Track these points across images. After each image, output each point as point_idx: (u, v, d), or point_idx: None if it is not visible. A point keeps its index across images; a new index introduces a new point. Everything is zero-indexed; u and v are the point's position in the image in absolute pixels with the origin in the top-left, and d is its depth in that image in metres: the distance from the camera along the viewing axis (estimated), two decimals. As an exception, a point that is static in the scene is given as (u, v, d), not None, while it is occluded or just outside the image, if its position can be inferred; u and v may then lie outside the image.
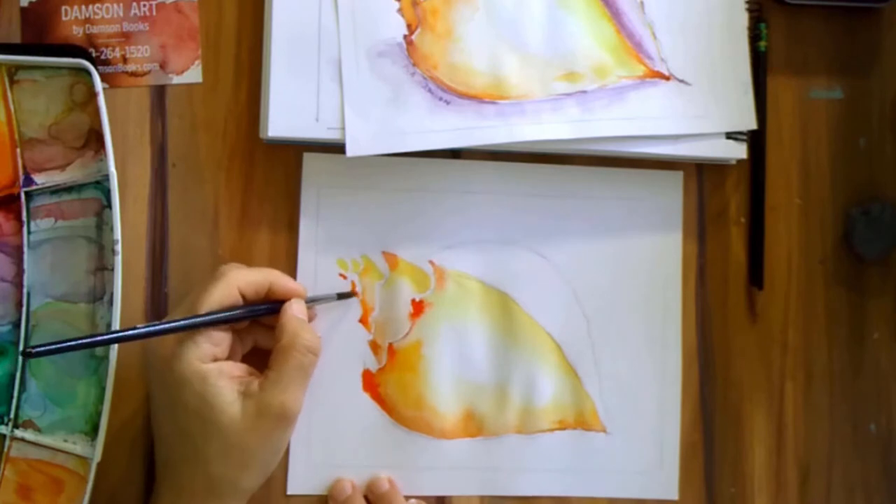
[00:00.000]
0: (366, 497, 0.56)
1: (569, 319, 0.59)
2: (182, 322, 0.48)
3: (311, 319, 0.54)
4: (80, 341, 0.47)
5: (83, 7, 0.55)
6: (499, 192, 0.58)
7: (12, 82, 0.54)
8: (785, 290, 0.61)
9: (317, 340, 0.51)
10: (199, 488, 0.49)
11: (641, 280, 0.59)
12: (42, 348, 0.45)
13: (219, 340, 0.50)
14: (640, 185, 0.59)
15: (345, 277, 0.57)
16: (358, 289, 0.57)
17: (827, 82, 0.62)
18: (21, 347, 0.54)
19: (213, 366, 0.49)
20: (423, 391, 0.57)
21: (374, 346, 0.57)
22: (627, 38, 0.58)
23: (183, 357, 0.48)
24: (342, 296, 0.56)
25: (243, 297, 0.51)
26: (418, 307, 0.57)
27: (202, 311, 0.49)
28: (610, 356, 0.59)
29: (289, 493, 0.56)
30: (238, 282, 0.51)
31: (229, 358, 0.51)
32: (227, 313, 0.50)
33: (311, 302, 0.54)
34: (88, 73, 0.53)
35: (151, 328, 0.48)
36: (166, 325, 0.48)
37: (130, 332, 0.47)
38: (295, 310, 0.52)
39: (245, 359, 0.53)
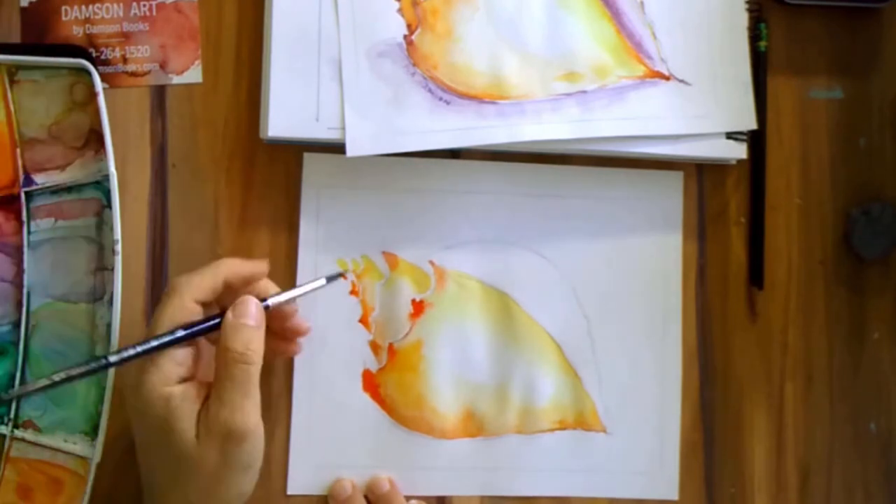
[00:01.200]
0: (366, 497, 0.56)
1: (569, 319, 0.59)
2: (137, 348, 0.46)
3: (291, 315, 0.52)
4: (55, 379, 0.46)
5: (83, 7, 0.55)
6: (499, 192, 0.58)
7: (12, 82, 0.54)
8: (785, 290, 0.61)
9: (250, 348, 0.46)
10: None
11: (641, 280, 0.59)
12: (18, 392, 0.46)
13: (182, 359, 0.46)
14: (640, 185, 0.59)
15: (345, 278, 0.57)
16: (358, 289, 0.57)
17: (827, 82, 0.62)
18: (21, 348, 0.54)
19: (178, 388, 0.46)
20: (423, 391, 0.57)
21: (375, 346, 0.57)
22: (627, 38, 0.58)
23: (146, 383, 0.46)
24: (331, 278, 0.53)
25: (204, 304, 0.48)
26: (418, 307, 0.57)
27: (157, 332, 0.46)
28: (610, 356, 0.59)
29: (289, 493, 0.56)
30: (191, 293, 0.47)
31: (200, 374, 0.48)
32: (172, 336, 0.46)
33: (292, 295, 0.51)
34: (88, 73, 0.53)
35: (123, 354, 0.46)
36: (132, 353, 0.46)
37: (101, 363, 0.46)
38: (237, 312, 0.47)
39: None
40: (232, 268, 0.49)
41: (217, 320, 0.48)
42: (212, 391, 0.46)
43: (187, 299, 0.47)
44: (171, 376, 0.46)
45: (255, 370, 0.46)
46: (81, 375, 0.46)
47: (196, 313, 0.48)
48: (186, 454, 0.45)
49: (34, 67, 0.54)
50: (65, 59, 0.53)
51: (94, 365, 0.46)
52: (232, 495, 0.47)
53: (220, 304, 0.50)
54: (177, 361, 0.46)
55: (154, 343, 0.46)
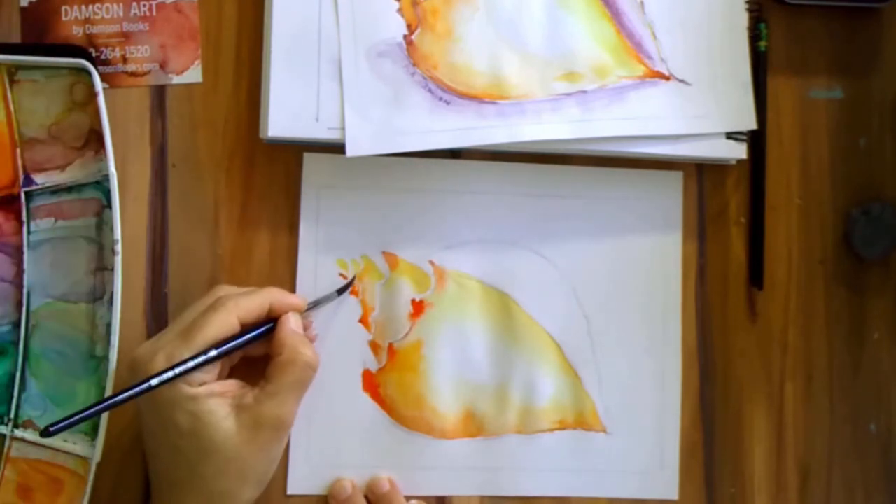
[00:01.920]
0: (366, 497, 0.56)
1: (569, 319, 0.59)
2: (187, 365, 0.48)
3: (306, 328, 0.54)
4: (95, 408, 0.47)
5: (83, 7, 0.55)
6: (499, 192, 0.58)
7: (12, 82, 0.54)
8: (785, 290, 0.61)
9: (316, 356, 0.52)
10: None
11: (641, 280, 0.59)
12: (60, 425, 0.46)
13: (209, 368, 0.49)
14: (640, 185, 0.59)
15: (345, 277, 0.57)
16: (358, 289, 0.57)
17: (827, 82, 0.62)
18: (21, 348, 0.54)
19: (203, 388, 0.49)
20: (423, 391, 0.57)
21: (374, 346, 0.57)
22: (627, 38, 0.58)
23: (172, 385, 0.48)
24: (341, 290, 0.56)
25: (242, 324, 0.51)
26: (418, 307, 0.57)
27: (200, 343, 0.49)
28: (610, 356, 0.59)
29: (289, 493, 0.56)
30: (238, 311, 0.50)
31: (218, 376, 0.50)
32: (228, 346, 0.50)
33: (312, 307, 0.54)
34: (88, 73, 0.53)
35: (164, 377, 0.47)
36: (176, 372, 0.48)
37: (144, 387, 0.47)
38: (293, 324, 0.52)
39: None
40: (278, 297, 0.52)
41: (270, 327, 0.51)
42: (266, 388, 0.50)
43: (234, 317, 0.50)
44: (197, 380, 0.49)
45: (314, 376, 0.52)
46: (126, 400, 0.47)
47: (236, 331, 0.50)
48: (222, 445, 0.48)
49: (34, 67, 0.54)
50: (65, 59, 0.53)
51: (137, 389, 0.47)
52: (253, 485, 0.51)
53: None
54: (204, 370, 0.49)
55: (191, 364, 0.48)
